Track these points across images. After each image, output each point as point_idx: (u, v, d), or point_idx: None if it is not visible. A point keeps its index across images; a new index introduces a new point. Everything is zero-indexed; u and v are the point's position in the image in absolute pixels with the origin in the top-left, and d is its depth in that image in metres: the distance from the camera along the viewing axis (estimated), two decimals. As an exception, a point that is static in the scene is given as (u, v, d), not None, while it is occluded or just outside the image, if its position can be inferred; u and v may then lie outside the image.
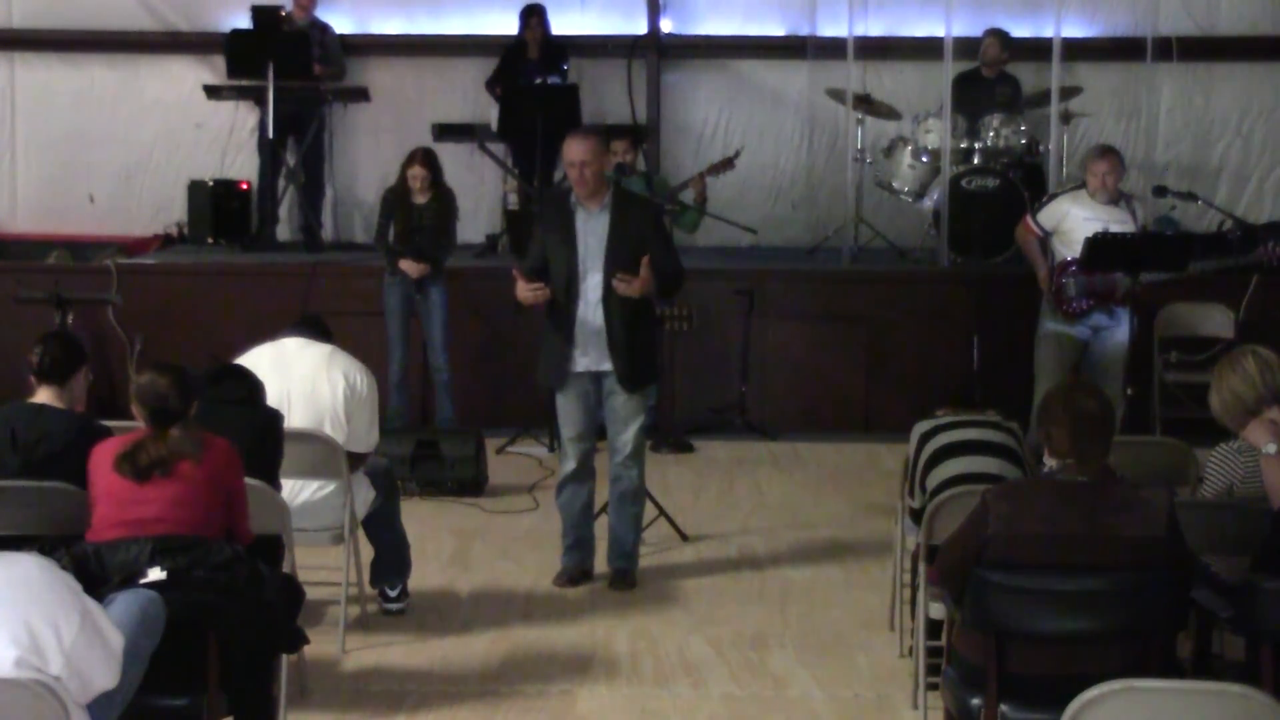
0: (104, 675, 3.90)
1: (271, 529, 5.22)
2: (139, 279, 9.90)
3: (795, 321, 9.93)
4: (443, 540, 7.45)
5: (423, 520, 7.47)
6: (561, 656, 5.98)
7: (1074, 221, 8.22)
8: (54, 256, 10.89)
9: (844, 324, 9.92)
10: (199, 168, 11.76)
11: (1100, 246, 7.94)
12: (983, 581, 4.25)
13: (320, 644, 5.76)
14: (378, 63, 11.90)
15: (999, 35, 10.92)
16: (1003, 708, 4.27)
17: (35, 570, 3.84)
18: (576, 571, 6.84)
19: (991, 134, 10.42)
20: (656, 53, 11.75)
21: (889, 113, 11.09)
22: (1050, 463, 4.43)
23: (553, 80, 10.98)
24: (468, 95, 11.67)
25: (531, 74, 11.04)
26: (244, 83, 10.82)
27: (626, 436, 6.72)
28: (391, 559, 6.40)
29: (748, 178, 11.45)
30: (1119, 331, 8.21)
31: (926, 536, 5.20)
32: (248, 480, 4.98)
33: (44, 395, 5.13)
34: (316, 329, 6.39)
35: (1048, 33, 10.79)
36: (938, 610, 5.18)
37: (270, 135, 10.61)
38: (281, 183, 11.01)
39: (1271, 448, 4.88)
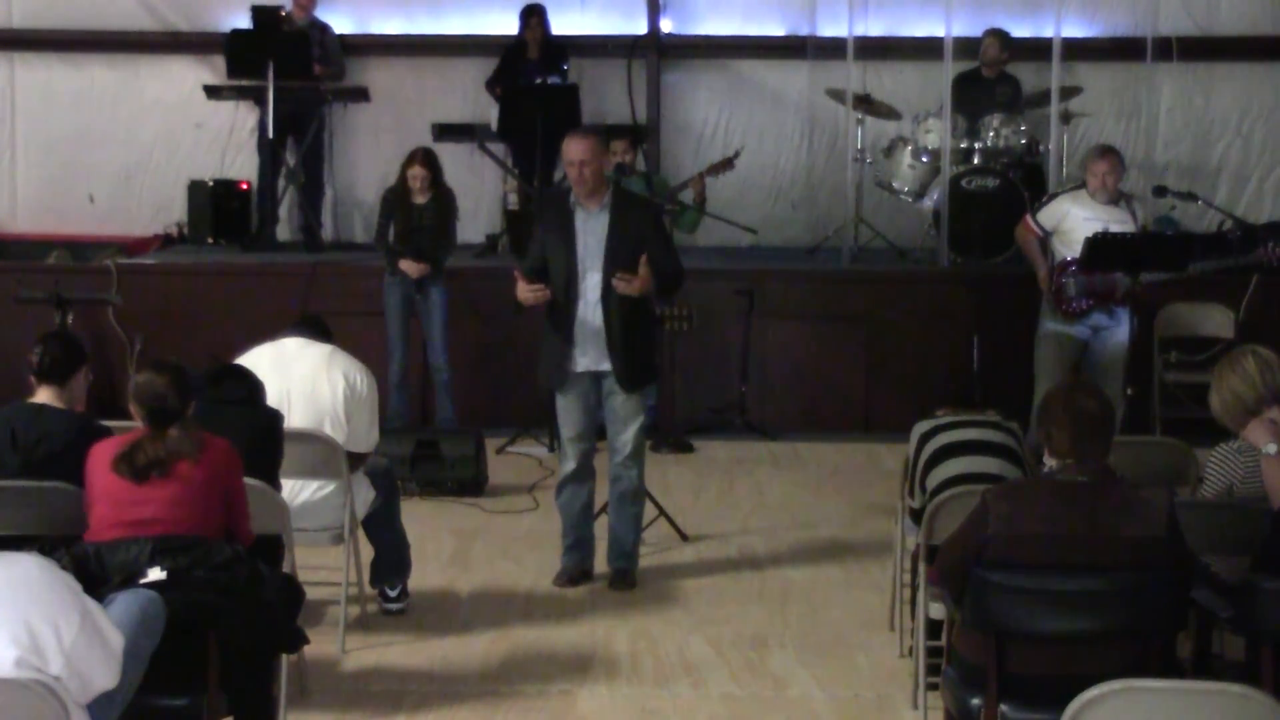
0: (104, 675, 3.89)
1: (271, 529, 5.22)
2: (139, 279, 9.91)
3: (795, 321, 9.93)
4: (443, 540, 7.45)
5: (423, 520, 7.47)
6: (561, 656, 5.98)
7: (1074, 221, 8.22)
8: (54, 256, 10.88)
9: (844, 324, 9.92)
10: (199, 168, 11.77)
11: (1100, 246, 7.94)
12: (983, 581, 4.25)
13: (320, 644, 5.76)
14: (378, 63, 11.90)
15: (999, 35, 10.92)
16: (1003, 708, 4.27)
17: (35, 570, 3.84)
18: (576, 571, 6.84)
19: (991, 134, 10.42)
20: (656, 53, 11.75)
21: (889, 113, 11.08)
22: (1050, 463, 4.42)
23: (553, 80, 10.98)
24: (468, 95, 11.67)
25: (531, 74, 11.04)
26: (244, 83, 10.82)
27: (626, 436, 6.72)
28: (391, 559, 6.41)
29: (748, 178, 11.44)
30: (1119, 331, 8.21)
31: (926, 536, 5.21)
32: (248, 480, 4.97)
33: (44, 395, 5.13)
34: (316, 329, 6.39)
35: (1048, 33, 10.79)
36: (938, 610, 5.18)
37: (270, 135, 10.61)
38: (281, 183, 11.02)
39: (1272, 448, 4.88)
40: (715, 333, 9.63)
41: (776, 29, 11.96)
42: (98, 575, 4.44)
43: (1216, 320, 9.43)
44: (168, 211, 11.76)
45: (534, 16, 11.13)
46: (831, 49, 11.20)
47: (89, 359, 5.33)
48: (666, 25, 11.86)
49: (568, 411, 6.72)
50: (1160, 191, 9.99)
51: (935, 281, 10.14)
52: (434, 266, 9.03)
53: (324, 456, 5.93)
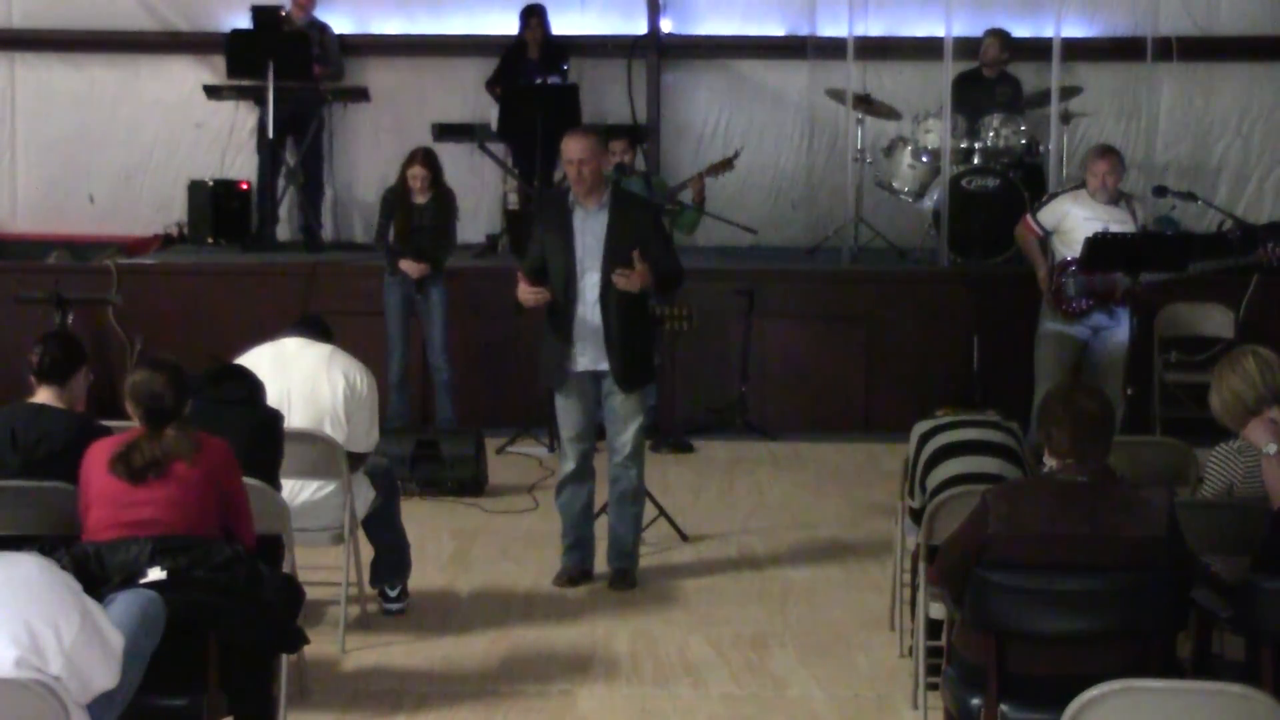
0: (104, 675, 3.89)
1: (271, 529, 5.22)
2: (139, 279, 9.91)
3: (795, 321, 9.93)
4: (443, 540, 7.45)
5: (423, 520, 7.47)
6: (561, 656, 5.98)
7: (1074, 221, 8.23)
8: (54, 256, 10.88)
9: (844, 324, 9.92)
10: (199, 168, 11.77)
11: (1100, 246, 7.94)
12: (983, 581, 4.25)
13: (320, 644, 5.76)
14: (377, 63, 11.90)
15: (999, 35, 10.92)
16: (1003, 708, 4.27)
17: (35, 570, 3.84)
18: (576, 571, 6.83)
19: (991, 134, 10.42)
20: (656, 53, 11.75)
21: (889, 113, 11.08)
22: (1050, 463, 4.43)
23: (553, 80, 10.98)
24: (468, 95, 11.67)
25: (531, 74, 11.05)
26: (244, 83, 10.83)
27: (625, 437, 6.72)
28: (391, 559, 6.40)
29: (748, 178, 11.45)
30: (1119, 331, 8.21)
31: (926, 536, 5.20)
32: (248, 480, 4.97)
33: (44, 395, 5.13)
34: (316, 329, 6.39)
35: (1048, 33, 10.79)
36: (938, 610, 5.19)
37: (270, 135, 10.61)
38: (281, 183, 11.02)
39: (1272, 448, 4.88)
40: (715, 333, 9.63)
41: (776, 29, 11.97)
42: (98, 575, 4.44)
43: (1216, 320, 9.42)
44: (168, 211, 11.75)
45: (534, 17, 11.14)
46: (831, 49, 11.20)
47: (89, 359, 5.33)
48: (666, 25, 11.87)
49: (567, 412, 6.72)
50: (1160, 191, 10.00)
51: (935, 281, 10.14)
52: (434, 266, 9.03)
53: (324, 456, 5.93)
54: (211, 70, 11.57)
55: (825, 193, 11.64)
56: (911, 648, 5.60)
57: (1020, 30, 11.23)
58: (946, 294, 9.96)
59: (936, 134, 10.47)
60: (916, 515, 5.54)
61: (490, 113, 11.06)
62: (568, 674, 5.79)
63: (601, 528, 6.95)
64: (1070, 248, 8.19)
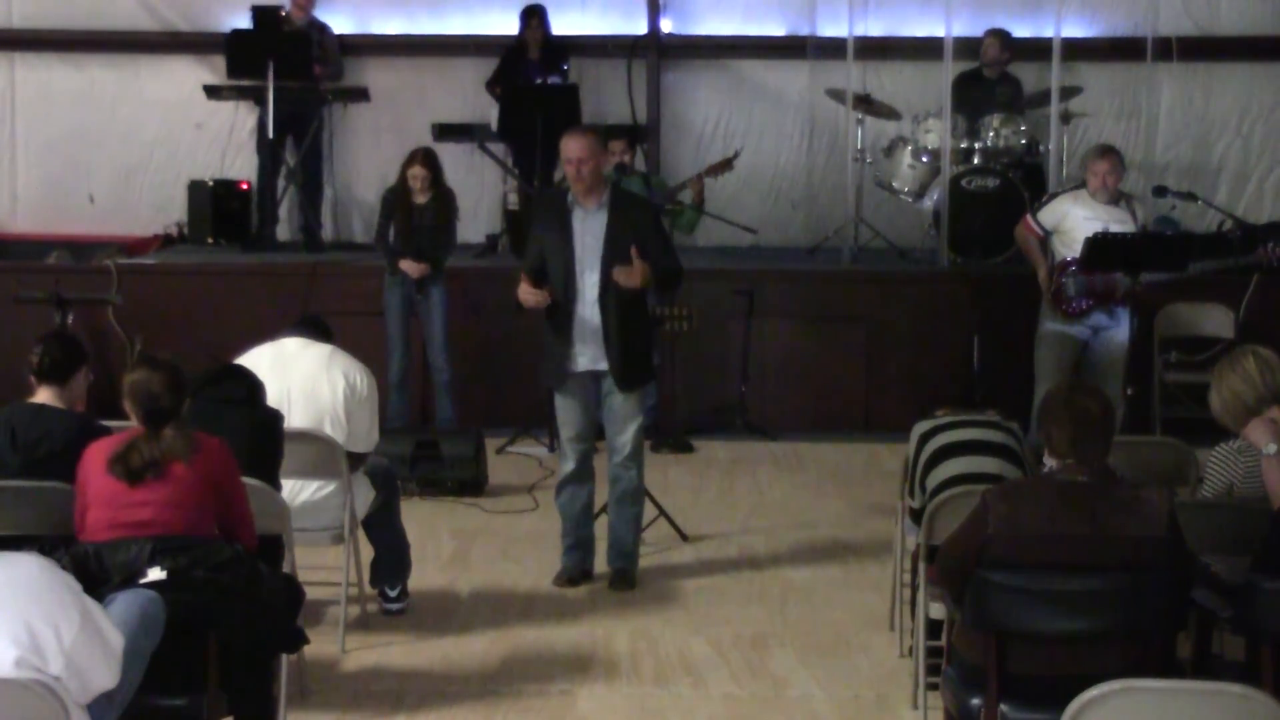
0: (104, 675, 3.89)
1: (271, 529, 5.21)
2: (139, 279, 9.90)
3: (795, 321, 9.93)
4: (443, 540, 7.45)
5: (423, 520, 7.47)
6: (561, 656, 5.98)
7: (1074, 221, 8.23)
8: (54, 256, 10.87)
9: (843, 324, 9.92)
10: (199, 168, 11.77)
11: (1100, 246, 7.94)
12: (983, 581, 4.25)
13: (320, 644, 5.76)
14: (377, 63, 11.90)
15: (999, 35, 10.92)
16: (1003, 708, 4.26)
17: (35, 570, 3.84)
18: (576, 572, 6.83)
19: (991, 134, 10.42)
20: (656, 53, 11.75)
21: (889, 113, 11.08)
22: (1050, 463, 4.42)
23: (553, 80, 10.98)
24: (468, 95, 11.66)
25: (532, 74, 11.05)
26: (244, 83, 10.82)
27: (625, 437, 6.72)
28: (391, 559, 6.40)
29: (748, 178, 11.45)
30: (1119, 331, 8.21)
31: (926, 536, 5.20)
32: (248, 480, 4.97)
33: (44, 395, 5.13)
34: (316, 329, 6.39)
35: (1048, 33, 10.79)
36: (938, 610, 5.18)
37: (270, 135, 10.61)
38: (281, 183, 11.02)
39: (1272, 448, 4.88)
40: (715, 333, 9.63)
41: (776, 29, 11.97)
42: (98, 575, 4.44)
43: (1216, 320, 9.42)
44: (168, 211, 11.74)
45: (534, 17, 11.14)
46: (831, 49, 11.20)
47: (89, 359, 5.33)
48: (666, 25, 11.86)
49: (567, 412, 6.72)
50: (1160, 191, 10.00)
51: (935, 281, 10.14)
52: (434, 266, 9.03)
53: (324, 456, 5.93)
54: (211, 70, 11.57)
55: (825, 193, 11.64)
56: (911, 648, 5.60)
57: (1020, 30, 11.23)
58: (946, 294, 9.95)
59: (936, 134, 10.47)
60: (916, 515, 5.54)
61: (490, 113, 11.06)
62: (568, 674, 5.79)
63: (601, 528, 6.95)
64: (1070, 248, 8.19)
